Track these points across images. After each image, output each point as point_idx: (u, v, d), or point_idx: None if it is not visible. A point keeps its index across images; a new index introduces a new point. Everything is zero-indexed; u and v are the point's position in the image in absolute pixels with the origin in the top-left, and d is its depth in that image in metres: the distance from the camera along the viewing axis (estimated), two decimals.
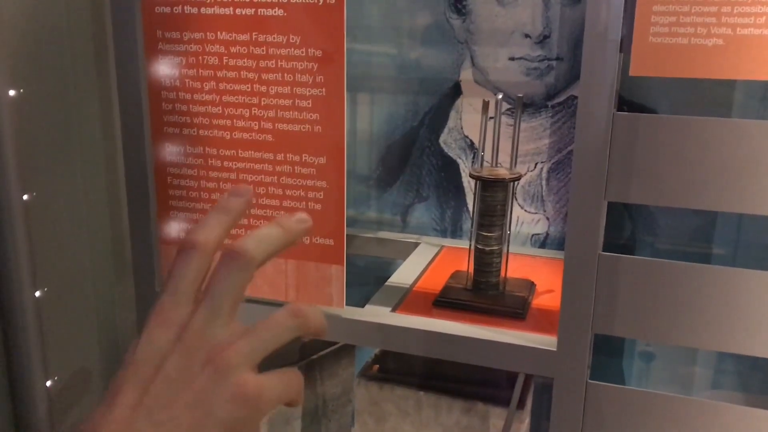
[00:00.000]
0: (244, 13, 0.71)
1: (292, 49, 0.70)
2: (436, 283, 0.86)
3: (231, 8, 0.71)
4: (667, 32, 0.58)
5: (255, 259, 0.40)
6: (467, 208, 1.04)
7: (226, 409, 0.36)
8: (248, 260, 0.39)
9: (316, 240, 0.73)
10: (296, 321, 0.40)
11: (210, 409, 0.36)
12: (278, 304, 0.76)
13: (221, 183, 0.76)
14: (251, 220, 0.75)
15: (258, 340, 0.39)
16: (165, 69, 0.75)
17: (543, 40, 0.95)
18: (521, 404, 0.82)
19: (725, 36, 0.56)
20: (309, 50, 0.69)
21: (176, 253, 0.40)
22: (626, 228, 0.97)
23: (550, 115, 0.97)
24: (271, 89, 0.71)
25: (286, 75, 0.71)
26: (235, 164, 0.75)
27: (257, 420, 0.38)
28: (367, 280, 1.06)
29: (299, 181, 0.73)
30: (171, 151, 0.77)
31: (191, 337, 0.38)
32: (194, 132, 0.76)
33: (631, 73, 0.60)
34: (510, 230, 0.83)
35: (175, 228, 0.79)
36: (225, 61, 0.72)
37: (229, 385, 0.37)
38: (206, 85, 0.74)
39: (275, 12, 0.70)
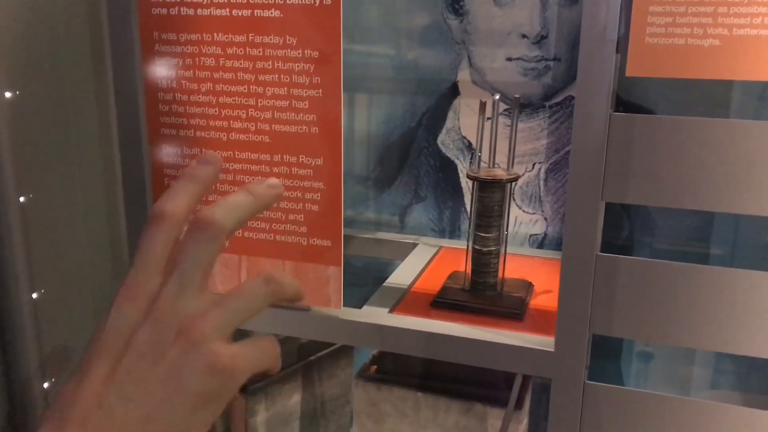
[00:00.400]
0: (240, 14, 0.71)
1: (289, 50, 0.70)
2: (434, 283, 0.86)
3: (227, 9, 0.71)
4: (664, 33, 0.58)
5: (224, 227, 0.38)
6: (465, 208, 1.04)
7: (199, 381, 0.36)
8: (218, 229, 0.38)
9: (314, 241, 0.73)
10: (269, 288, 0.39)
11: (182, 382, 0.36)
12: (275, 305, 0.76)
13: (218, 184, 0.76)
14: None
15: (230, 309, 0.38)
16: (162, 70, 0.75)
17: (540, 40, 0.95)
18: (519, 405, 0.82)
19: (721, 36, 0.56)
20: (306, 51, 0.69)
21: (144, 225, 0.39)
22: (624, 228, 0.97)
23: (548, 115, 0.97)
24: (268, 90, 0.71)
25: (282, 76, 0.71)
26: (232, 165, 0.75)
27: (232, 390, 0.37)
28: (365, 280, 1.06)
29: (296, 182, 0.73)
30: (168, 152, 0.77)
31: (161, 310, 0.36)
32: (191, 133, 0.76)
33: (628, 73, 0.60)
34: (507, 231, 0.83)
35: None
36: (222, 62, 0.72)
37: (202, 356, 0.36)
38: (203, 87, 0.74)
39: (272, 13, 0.70)
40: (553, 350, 0.68)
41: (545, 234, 1.02)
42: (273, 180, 0.42)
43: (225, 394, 0.37)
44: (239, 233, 0.75)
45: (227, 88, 0.73)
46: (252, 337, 0.39)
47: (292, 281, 0.40)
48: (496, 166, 0.82)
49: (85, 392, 0.35)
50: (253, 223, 0.75)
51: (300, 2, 0.68)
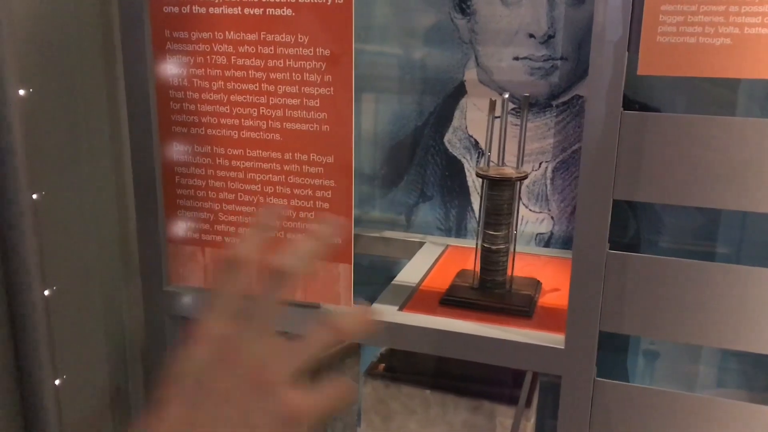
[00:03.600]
0: (252, 12, 0.71)
1: (301, 49, 0.70)
2: (442, 281, 0.87)
3: (239, 8, 0.71)
4: (675, 32, 0.58)
5: (296, 274, 0.41)
6: (471, 207, 1.05)
7: (270, 427, 0.38)
8: (289, 277, 0.41)
9: None
10: (330, 334, 0.42)
11: (255, 427, 0.38)
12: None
13: (229, 182, 0.76)
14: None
15: (297, 356, 0.40)
16: (173, 68, 0.75)
17: (547, 40, 0.96)
18: (528, 402, 0.82)
19: (733, 35, 0.57)
20: (317, 50, 0.70)
21: (218, 269, 0.41)
22: (630, 227, 0.97)
23: (555, 114, 0.98)
24: (279, 88, 0.72)
25: (294, 74, 0.71)
26: (243, 163, 0.75)
27: None
28: (373, 279, 1.06)
29: (307, 180, 0.73)
30: (179, 151, 0.77)
31: (233, 354, 0.39)
32: (202, 131, 0.76)
33: (639, 72, 0.60)
34: (516, 229, 0.83)
35: (182, 227, 0.79)
36: (233, 60, 0.73)
37: (273, 404, 0.38)
38: (214, 85, 0.74)
39: (283, 12, 0.70)
40: (563, 347, 0.68)
41: (552, 233, 1.02)
42: (330, 217, 0.44)
43: None
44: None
45: (238, 86, 0.73)
46: (324, 382, 0.42)
47: (350, 323, 0.43)
48: (504, 164, 0.82)
49: (165, 430, 0.38)
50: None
51: (312, 1, 0.69)
